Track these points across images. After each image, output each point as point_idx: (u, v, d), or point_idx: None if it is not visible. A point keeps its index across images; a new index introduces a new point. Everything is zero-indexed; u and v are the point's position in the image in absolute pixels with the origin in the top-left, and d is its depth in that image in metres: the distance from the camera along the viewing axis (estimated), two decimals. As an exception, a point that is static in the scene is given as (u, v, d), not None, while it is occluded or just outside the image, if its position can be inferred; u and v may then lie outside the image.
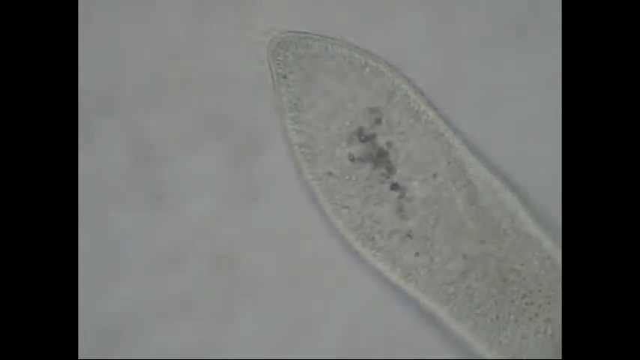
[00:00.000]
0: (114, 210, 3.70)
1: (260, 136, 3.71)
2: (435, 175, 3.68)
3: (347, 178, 3.69)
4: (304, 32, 3.72)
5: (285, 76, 3.69)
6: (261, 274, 3.72)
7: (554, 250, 3.68)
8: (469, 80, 3.75)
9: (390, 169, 3.68)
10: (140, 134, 3.70)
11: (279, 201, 3.72)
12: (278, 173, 3.71)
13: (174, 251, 3.71)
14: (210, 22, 3.72)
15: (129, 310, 3.70)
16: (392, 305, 3.71)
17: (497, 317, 3.67)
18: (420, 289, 3.68)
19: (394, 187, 3.68)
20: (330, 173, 3.66)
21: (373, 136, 3.69)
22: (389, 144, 3.68)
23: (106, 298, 3.69)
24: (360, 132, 3.68)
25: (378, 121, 3.68)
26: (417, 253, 3.67)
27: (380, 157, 3.68)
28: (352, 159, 3.67)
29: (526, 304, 3.67)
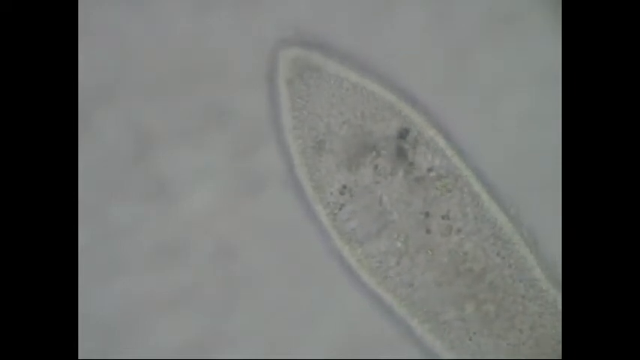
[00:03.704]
0: (113, 203, 3.70)
1: (261, 129, 3.71)
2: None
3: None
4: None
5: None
6: (262, 267, 3.73)
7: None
8: (469, 74, 3.75)
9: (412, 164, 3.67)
10: (140, 126, 3.70)
11: (281, 194, 3.72)
12: (279, 166, 3.71)
13: (175, 245, 3.71)
14: (211, 14, 3.71)
15: (129, 306, 3.70)
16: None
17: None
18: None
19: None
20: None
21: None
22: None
23: (107, 293, 3.69)
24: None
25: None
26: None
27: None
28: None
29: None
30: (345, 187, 3.64)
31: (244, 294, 3.72)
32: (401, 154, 3.63)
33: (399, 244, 3.62)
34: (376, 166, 3.62)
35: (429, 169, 3.64)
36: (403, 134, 3.61)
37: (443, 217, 3.64)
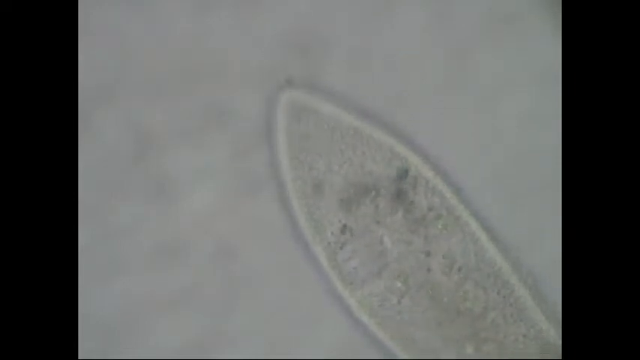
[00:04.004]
0: (113, 203, 3.70)
1: (262, 129, 3.71)
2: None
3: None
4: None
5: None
6: (262, 267, 3.72)
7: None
8: (469, 74, 3.75)
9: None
10: (140, 126, 3.70)
11: (281, 194, 3.71)
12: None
13: (175, 245, 3.71)
14: (211, 14, 3.71)
15: (129, 306, 3.70)
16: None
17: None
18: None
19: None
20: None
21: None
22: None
23: (107, 293, 3.69)
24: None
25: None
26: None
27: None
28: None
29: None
30: (345, 226, 3.65)
31: (244, 294, 3.72)
32: (401, 193, 3.63)
33: (399, 284, 3.62)
34: (376, 206, 3.63)
35: (429, 209, 3.65)
36: (403, 174, 3.62)
37: (443, 256, 3.64)
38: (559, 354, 3.62)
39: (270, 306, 3.73)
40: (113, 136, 3.70)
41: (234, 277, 3.72)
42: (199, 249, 3.71)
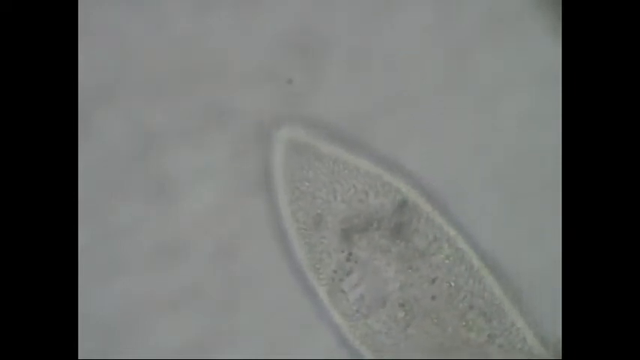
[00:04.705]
0: (113, 203, 3.70)
1: (262, 128, 3.71)
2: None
3: None
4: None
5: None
6: (262, 267, 3.72)
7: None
8: (469, 74, 3.75)
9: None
10: (140, 126, 3.70)
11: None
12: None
13: (175, 245, 3.71)
14: (211, 14, 3.71)
15: (129, 306, 3.70)
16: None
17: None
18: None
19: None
20: None
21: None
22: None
23: (107, 293, 3.69)
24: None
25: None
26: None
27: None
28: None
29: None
30: (350, 254, 3.65)
31: (244, 294, 3.72)
32: (403, 224, 3.64)
33: (403, 313, 3.63)
34: (380, 236, 3.63)
35: (432, 239, 3.65)
36: (404, 205, 3.63)
37: (448, 285, 3.64)
38: None
39: (270, 306, 3.73)
40: (113, 136, 3.70)
41: (234, 277, 3.72)
42: (199, 249, 3.71)
